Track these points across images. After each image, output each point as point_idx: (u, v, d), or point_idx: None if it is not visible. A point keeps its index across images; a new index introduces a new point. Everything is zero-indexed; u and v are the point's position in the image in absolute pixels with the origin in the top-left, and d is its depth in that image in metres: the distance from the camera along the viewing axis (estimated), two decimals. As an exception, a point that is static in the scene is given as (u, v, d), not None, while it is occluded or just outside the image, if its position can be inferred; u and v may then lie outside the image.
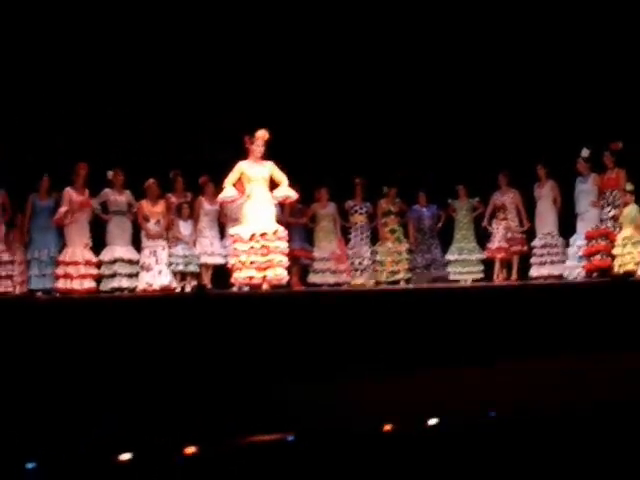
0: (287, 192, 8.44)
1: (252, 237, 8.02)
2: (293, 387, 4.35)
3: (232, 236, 8.31)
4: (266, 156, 8.36)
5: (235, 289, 8.62)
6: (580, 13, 10.21)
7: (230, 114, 10.11)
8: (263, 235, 8.04)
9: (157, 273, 9.19)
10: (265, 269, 7.98)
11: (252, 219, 8.17)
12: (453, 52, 10.91)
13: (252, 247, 8.00)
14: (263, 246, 7.99)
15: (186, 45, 10.38)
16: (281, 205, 9.82)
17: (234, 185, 8.34)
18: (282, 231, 8.22)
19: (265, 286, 7.97)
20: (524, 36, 10.57)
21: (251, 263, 7.96)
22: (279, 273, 8.06)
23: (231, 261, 8.31)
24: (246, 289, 8.31)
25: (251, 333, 4.95)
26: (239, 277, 8.08)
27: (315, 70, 10.80)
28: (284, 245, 8.22)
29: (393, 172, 10.51)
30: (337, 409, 4.09)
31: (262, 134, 8.30)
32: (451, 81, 10.93)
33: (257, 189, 8.23)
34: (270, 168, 8.37)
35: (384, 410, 4.14)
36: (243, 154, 8.39)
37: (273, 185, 8.44)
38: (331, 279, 10.34)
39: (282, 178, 8.41)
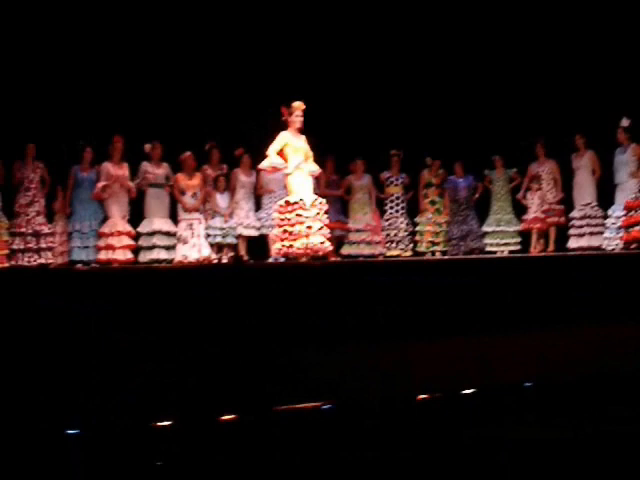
0: (315, 167, 8.48)
1: (313, 204, 8.05)
2: (328, 357, 4.39)
3: (293, 204, 8.04)
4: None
5: (271, 260, 8.68)
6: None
7: (265, 86, 10.11)
8: (321, 204, 8.13)
9: (192, 246, 9.27)
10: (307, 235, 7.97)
11: (301, 190, 8.11)
12: (491, 20, 10.76)
13: (318, 213, 8.03)
14: (317, 214, 8.05)
15: (220, 17, 10.37)
16: (316, 177, 9.85)
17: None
18: (325, 202, 8.31)
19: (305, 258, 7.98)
20: (563, 5, 10.39)
21: (319, 229, 7.98)
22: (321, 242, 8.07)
23: (295, 229, 7.98)
24: (281, 260, 8.37)
25: (288, 303, 5.00)
26: (307, 243, 7.91)
27: (351, 41, 10.72)
28: (325, 216, 8.26)
29: (430, 143, 10.44)
30: (373, 378, 4.12)
31: (299, 104, 8.22)
32: (490, 50, 10.79)
33: (302, 161, 8.21)
34: (304, 141, 8.33)
35: (419, 380, 4.17)
36: (276, 125, 8.31)
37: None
38: (366, 250, 10.35)
39: (310, 153, 8.39)
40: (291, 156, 8.17)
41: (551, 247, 10.25)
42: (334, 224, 10.02)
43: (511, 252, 10.46)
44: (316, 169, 8.50)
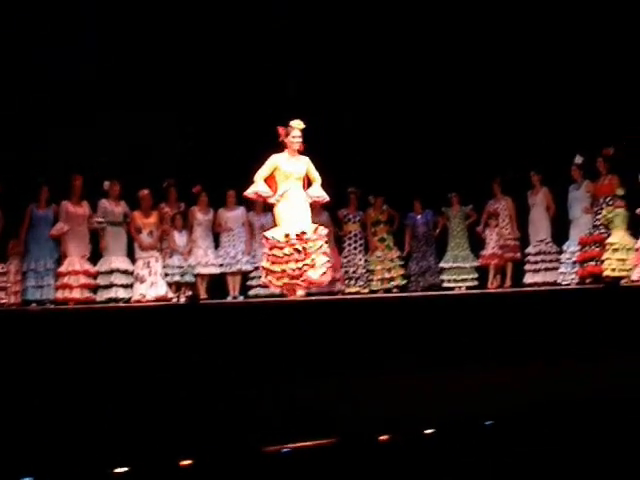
0: (321, 193, 7.63)
1: (304, 238, 7.15)
2: (288, 397, 4.36)
3: (267, 240, 7.31)
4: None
5: (230, 298, 8.60)
6: (568, 21, 10.22)
7: (220, 124, 10.12)
8: (302, 234, 7.17)
9: (150, 284, 9.21)
10: (301, 274, 7.11)
11: (290, 221, 7.27)
12: (447, 58, 10.92)
13: (319, 247, 7.20)
14: (303, 248, 7.12)
15: (189, 51, 10.37)
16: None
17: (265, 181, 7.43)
18: (322, 230, 7.46)
19: (301, 292, 7.17)
20: (514, 44, 10.58)
21: (314, 262, 7.11)
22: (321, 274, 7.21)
23: (280, 267, 7.19)
24: (240, 298, 8.31)
25: (246, 343, 4.96)
26: (293, 281, 7.13)
27: (308, 84, 10.78)
28: (325, 245, 7.39)
29: (387, 181, 10.52)
30: (332, 418, 4.09)
31: (298, 123, 7.45)
32: (445, 89, 10.94)
33: (293, 187, 7.39)
34: (307, 164, 7.53)
35: (379, 419, 4.15)
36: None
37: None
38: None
39: (316, 176, 7.58)
40: (281, 182, 7.38)
41: (508, 283, 10.37)
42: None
43: (468, 288, 10.53)
44: (320, 195, 7.61)
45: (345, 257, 10.59)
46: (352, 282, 10.53)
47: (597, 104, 9.92)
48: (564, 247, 9.99)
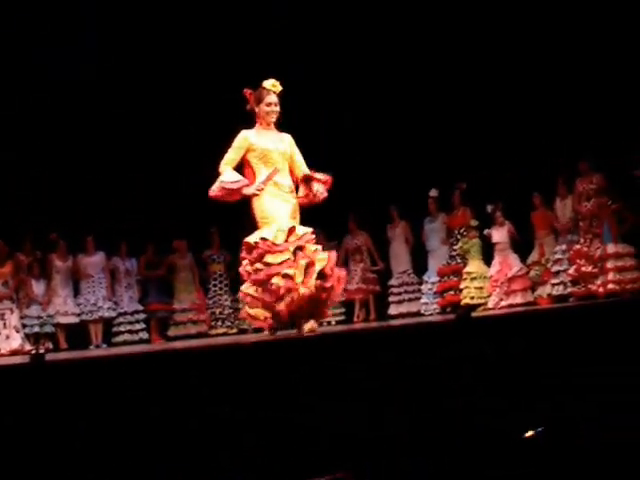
0: (320, 185, 5.71)
1: (287, 239, 5.34)
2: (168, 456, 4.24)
3: (255, 245, 5.33)
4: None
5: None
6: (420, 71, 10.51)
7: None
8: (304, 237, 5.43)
9: (4, 338, 8.83)
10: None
11: (277, 216, 5.40)
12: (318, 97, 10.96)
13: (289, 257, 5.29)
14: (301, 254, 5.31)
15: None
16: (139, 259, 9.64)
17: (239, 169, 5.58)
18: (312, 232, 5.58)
19: (311, 325, 5.27)
20: (374, 88, 10.77)
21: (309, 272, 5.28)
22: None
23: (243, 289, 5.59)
24: (103, 346, 8.07)
25: (102, 403, 4.78)
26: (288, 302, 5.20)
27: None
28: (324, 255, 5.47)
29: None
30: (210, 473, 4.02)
31: (272, 84, 5.50)
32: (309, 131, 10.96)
33: (275, 172, 5.49)
34: (290, 142, 5.64)
35: (265, 467, 4.10)
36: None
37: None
38: (192, 329, 10.22)
39: (301, 161, 5.70)
40: (258, 166, 5.49)
41: (372, 315, 10.55)
42: (156, 305, 9.91)
43: (337, 322, 10.63)
44: (319, 188, 5.73)
45: (211, 298, 10.48)
46: (219, 323, 10.42)
47: (450, 140, 10.26)
48: (424, 278, 10.28)
